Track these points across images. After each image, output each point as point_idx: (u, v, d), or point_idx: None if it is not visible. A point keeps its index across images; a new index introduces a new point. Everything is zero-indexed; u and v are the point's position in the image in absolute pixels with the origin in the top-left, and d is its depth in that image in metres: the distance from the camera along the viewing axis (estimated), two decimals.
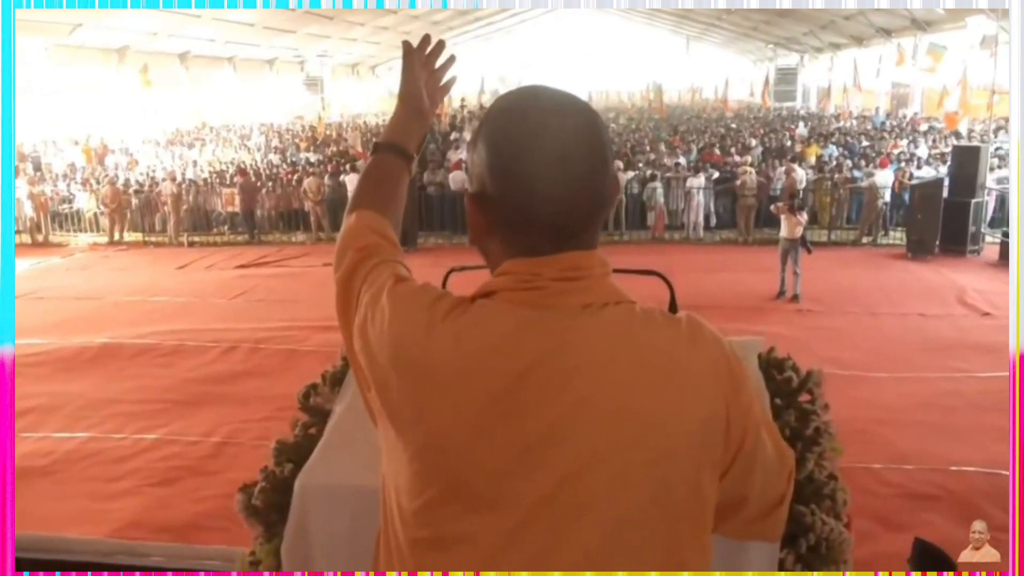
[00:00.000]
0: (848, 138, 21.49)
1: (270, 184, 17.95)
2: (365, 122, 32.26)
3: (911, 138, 20.98)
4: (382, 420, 1.08)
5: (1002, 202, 14.72)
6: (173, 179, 17.86)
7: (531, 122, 1.03)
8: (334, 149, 23.22)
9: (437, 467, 1.02)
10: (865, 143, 20.54)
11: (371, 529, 1.16)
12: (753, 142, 21.01)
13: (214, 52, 26.27)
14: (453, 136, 22.09)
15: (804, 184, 15.79)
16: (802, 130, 23.81)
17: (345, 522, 1.40)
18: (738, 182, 15.74)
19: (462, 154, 18.19)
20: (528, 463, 0.98)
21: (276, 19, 24.81)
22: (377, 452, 1.13)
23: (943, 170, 15.65)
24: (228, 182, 18.15)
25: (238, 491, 1.50)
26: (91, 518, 5.55)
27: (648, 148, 20.06)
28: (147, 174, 20.41)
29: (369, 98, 38.54)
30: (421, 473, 1.02)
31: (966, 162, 13.89)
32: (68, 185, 19.22)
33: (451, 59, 1.49)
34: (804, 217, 11.17)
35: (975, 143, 16.29)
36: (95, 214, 17.69)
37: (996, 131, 17.70)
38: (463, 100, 31.12)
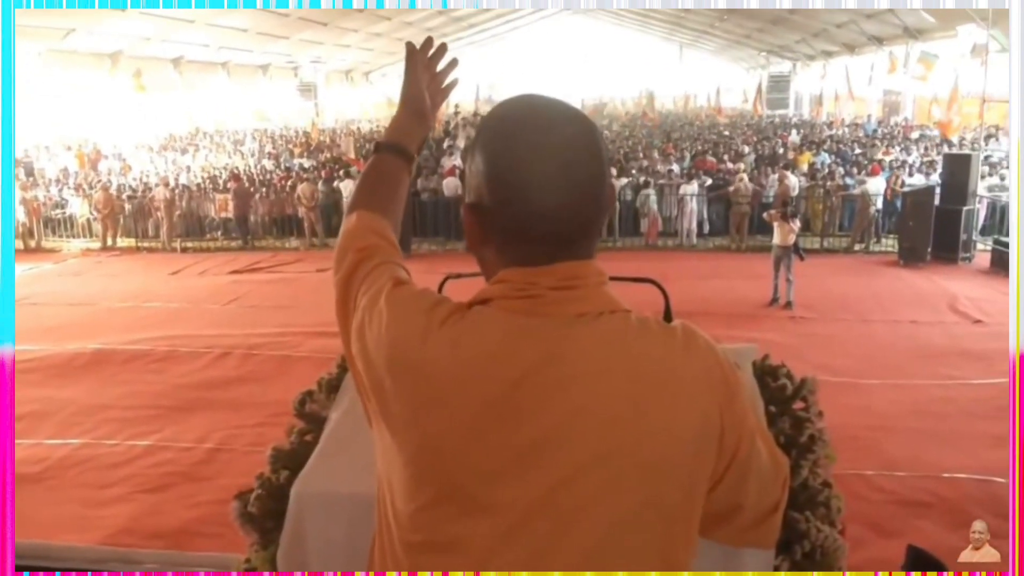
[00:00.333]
0: (840, 145, 21.58)
1: (263, 190, 17.94)
2: (359, 128, 32.28)
3: (903, 145, 21.08)
4: (377, 422, 1.09)
5: (993, 210, 14.80)
6: (166, 184, 17.83)
7: (527, 133, 1.03)
8: (328, 155, 23.21)
9: (432, 471, 1.02)
10: (857, 151, 20.63)
11: (367, 536, 1.17)
12: (746, 149, 21.08)
13: (207, 57, 26.24)
14: (447, 143, 22.11)
15: (797, 191, 15.86)
16: (794, 137, 23.90)
17: (341, 529, 1.40)
18: (731, 189, 15.79)
19: (456, 160, 18.20)
20: (522, 468, 0.99)
21: (270, 25, 24.80)
22: (373, 460, 1.13)
23: (934, 177, 15.73)
24: (221, 188, 18.12)
25: (234, 498, 1.50)
26: (84, 524, 5.52)
27: (641, 155, 20.12)
28: (140, 179, 20.38)
29: (364, 104, 38.54)
30: (416, 476, 1.03)
31: (957, 170, 13.97)
32: (61, 190, 19.17)
33: (453, 62, 1.49)
34: (797, 224, 11.21)
35: (966, 151, 16.37)
36: (88, 219, 17.65)
37: (987, 139, 17.81)
38: (457, 107, 31.16)
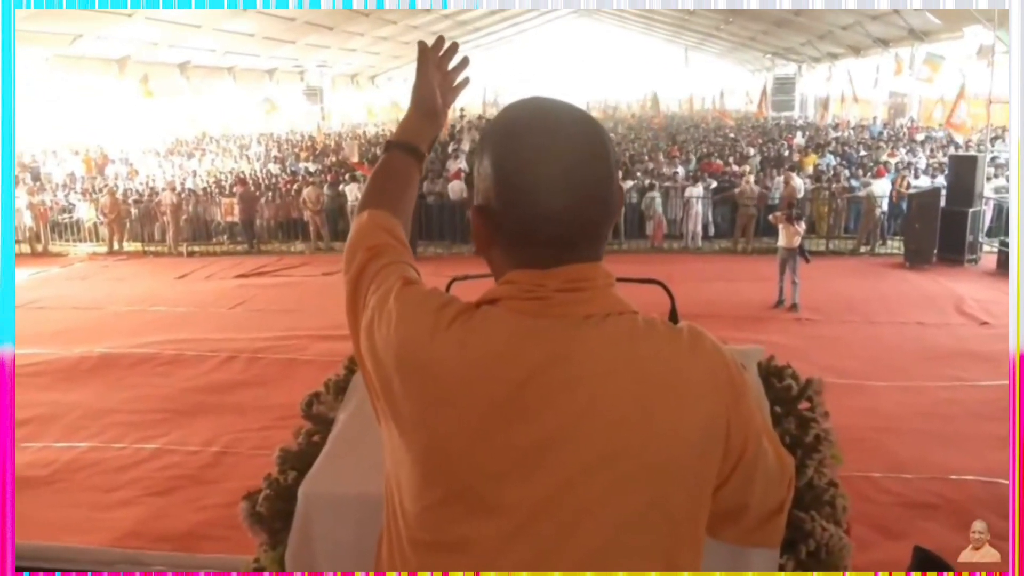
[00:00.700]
0: (846, 148, 21.55)
1: (269, 194, 17.99)
2: (364, 132, 32.33)
3: (908, 147, 21.05)
4: (386, 421, 1.09)
5: (999, 211, 14.76)
6: (173, 189, 17.90)
7: (535, 136, 1.04)
8: (333, 159, 23.26)
9: (439, 471, 1.03)
10: (863, 152, 20.60)
11: (375, 536, 1.17)
12: (751, 152, 21.07)
13: (214, 62, 26.31)
14: (452, 146, 22.13)
15: (802, 193, 15.84)
16: (800, 140, 23.88)
17: (349, 530, 1.41)
18: (737, 191, 15.79)
19: (461, 164, 18.23)
20: (529, 468, 0.99)
21: (276, 29, 24.86)
22: (380, 460, 1.14)
23: (940, 179, 15.69)
24: (228, 192, 18.18)
25: (242, 499, 1.51)
26: (91, 527, 5.54)
27: (647, 157, 20.12)
28: (147, 184, 20.45)
29: (370, 108, 38.58)
30: (424, 476, 1.04)
31: (963, 172, 13.94)
32: (68, 195, 19.26)
33: (464, 61, 1.50)
34: (802, 226, 11.20)
35: (972, 152, 16.34)
36: (94, 224, 17.72)
37: (993, 140, 17.75)
38: (463, 110, 31.17)
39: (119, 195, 18.13)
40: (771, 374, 1.67)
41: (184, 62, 24.89)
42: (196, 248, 17.16)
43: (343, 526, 1.42)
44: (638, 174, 17.45)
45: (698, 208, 15.95)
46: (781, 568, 1.32)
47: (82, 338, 10.06)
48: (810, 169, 18.10)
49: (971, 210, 13.60)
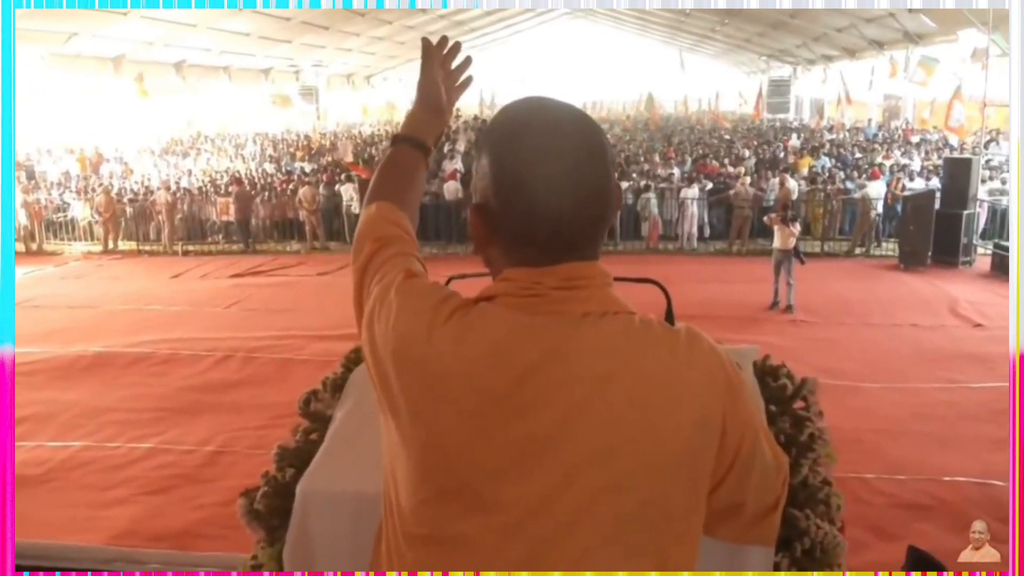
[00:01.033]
0: (841, 150, 21.59)
1: (265, 193, 17.96)
2: (360, 132, 32.30)
3: (903, 150, 21.10)
4: (384, 413, 1.10)
5: (993, 214, 14.81)
6: (168, 188, 17.87)
7: (533, 136, 1.04)
8: (329, 159, 23.25)
9: (435, 466, 1.04)
10: (858, 155, 20.65)
11: (372, 533, 1.18)
12: (747, 153, 21.10)
13: (210, 61, 26.26)
14: (447, 147, 22.12)
15: (797, 195, 15.88)
16: (795, 142, 23.92)
17: (346, 527, 1.42)
18: (732, 192, 15.82)
19: (457, 164, 18.22)
20: (525, 466, 1.00)
21: (272, 29, 24.82)
22: (377, 458, 1.15)
23: (934, 181, 15.74)
24: (223, 191, 18.15)
25: (240, 495, 1.52)
26: (86, 526, 5.53)
27: (642, 159, 20.13)
28: (142, 183, 20.41)
29: (366, 108, 38.56)
30: (419, 471, 1.04)
31: (958, 174, 13.98)
32: (62, 194, 19.21)
33: (467, 60, 1.52)
34: (797, 228, 11.23)
35: (967, 155, 16.39)
36: (89, 223, 17.69)
37: (987, 143, 17.81)
38: (458, 111, 31.14)
39: (114, 194, 18.10)
40: (766, 373, 1.68)
41: (180, 61, 24.84)
42: (191, 247, 17.13)
43: (340, 523, 1.43)
44: (634, 175, 17.47)
45: (693, 209, 15.98)
46: (776, 565, 1.34)
47: (77, 337, 10.05)
48: (805, 171, 18.13)
49: (965, 212, 13.64)
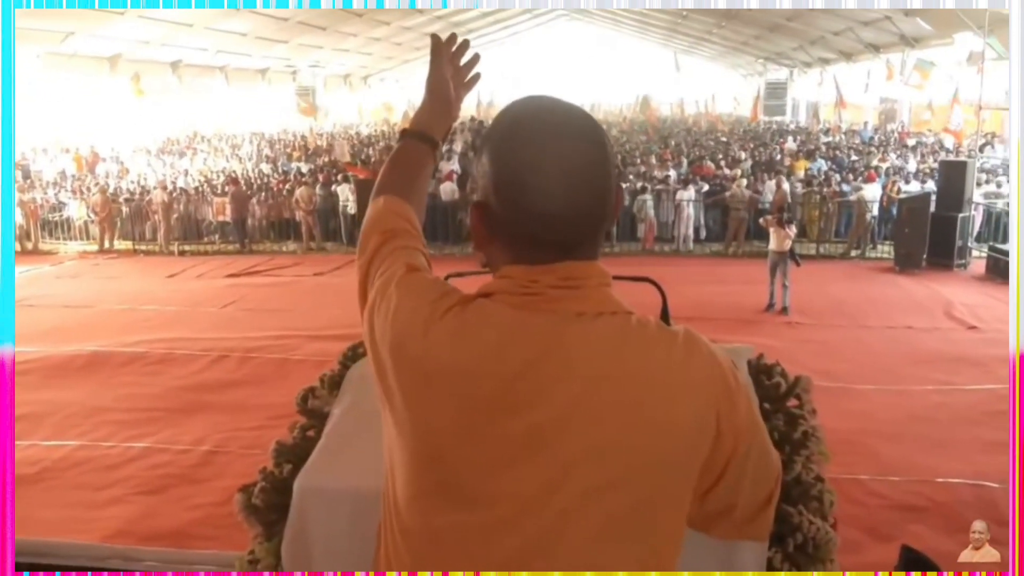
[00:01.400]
0: (837, 152, 21.64)
1: (261, 193, 17.95)
2: (357, 132, 32.28)
3: (899, 152, 21.15)
4: (383, 406, 1.11)
5: (989, 217, 14.86)
6: (164, 188, 17.85)
7: (535, 135, 1.05)
8: (326, 159, 23.23)
9: (429, 460, 1.05)
10: (854, 157, 20.70)
11: (369, 529, 1.19)
12: (743, 155, 21.14)
13: (206, 61, 26.23)
14: (445, 147, 22.11)
15: (792, 197, 15.91)
16: (791, 144, 23.96)
17: (344, 523, 1.43)
18: (728, 194, 15.86)
19: (454, 165, 18.21)
20: (516, 462, 1.01)
21: (269, 29, 24.80)
22: (374, 455, 1.15)
23: (930, 184, 15.79)
24: (219, 191, 18.14)
25: (238, 491, 1.53)
26: (81, 526, 5.52)
27: (639, 160, 20.15)
28: (138, 182, 20.38)
29: (362, 108, 38.55)
30: (414, 464, 1.05)
31: (953, 177, 14.03)
32: (58, 193, 19.18)
33: (475, 57, 1.53)
34: (793, 230, 11.25)
35: (962, 158, 16.45)
36: (85, 222, 17.66)
37: (982, 147, 17.86)
38: None
39: (110, 193, 18.07)
40: (760, 372, 1.70)
41: (176, 61, 24.80)
42: (187, 247, 17.12)
43: (338, 519, 1.43)
44: (630, 177, 17.48)
45: (689, 211, 16.01)
46: (769, 561, 1.35)
47: (72, 336, 10.03)
48: (801, 173, 18.17)
49: (960, 215, 13.69)
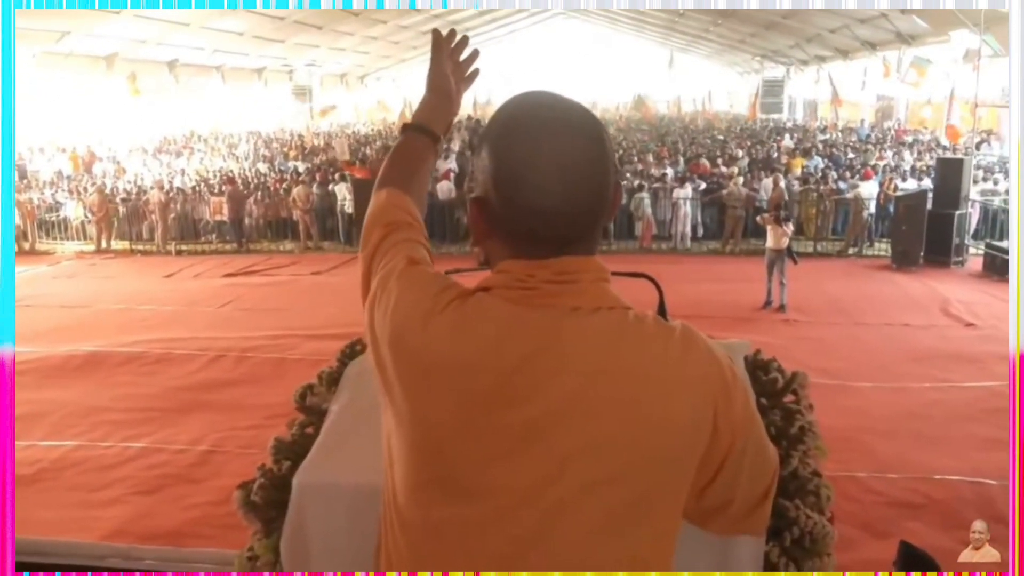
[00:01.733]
0: (834, 150, 21.67)
1: (258, 193, 17.93)
2: (355, 131, 32.28)
3: (895, 150, 21.18)
4: (383, 397, 1.12)
5: (985, 214, 14.88)
6: (161, 187, 17.83)
7: (534, 131, 1.05)
8: (323, 158, 23.22)
9: (427, 454, 1.05)
10: (851, 155, 20.72)
11: (368, 526, 1.19)
12: (740, 153, 21.16)
13: (203, 61, 26.21)
14: (442, 146, 22.09)
15: (790, 195, 15.93)
16: (788, 142, 23.98)
17: (342, 519, 1.43)
18: (725, 192, 15.87)
19: (451, 164, 18.21)
20: (513, 455, 1.01)
21: (265, 28, 24.79)
22: (372, 451, 1.16)
23: (926, 182, 15.82)
24: (216, 190, 18.12)
25: (237, 488, 1.53)
26: (78, 526, 5.52)
27: (636, 159, 20.17)
28: (135, 182, 20.36)
29: (358, 108, 38.53)
30: (413, 457, 1.06)
31: (950, 174, 14.06)
32: (55, 193, 19.16)
33: (475, 53, 1.54)
34: (790, 228, 11.26)
35: (959, 155, 16.47)
36: (82, 222, 17.63)
37: (979, 144, 17.89)
38: None
39: (107, 193, 18.05)
40: (757, 367, 1.70)
41: (172, 60, 24.78)
42: (184, 247, 17.11)
43: (336, 515, 1.44)
44: (627, 175, 17.49)
45: (686, 209, 16.03)
46: (766, 555, 1.35)
47: (69, 336, 10.02)
48: (798, 171, 18.19)
49: (957, 213, 13.72)
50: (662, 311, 1.66)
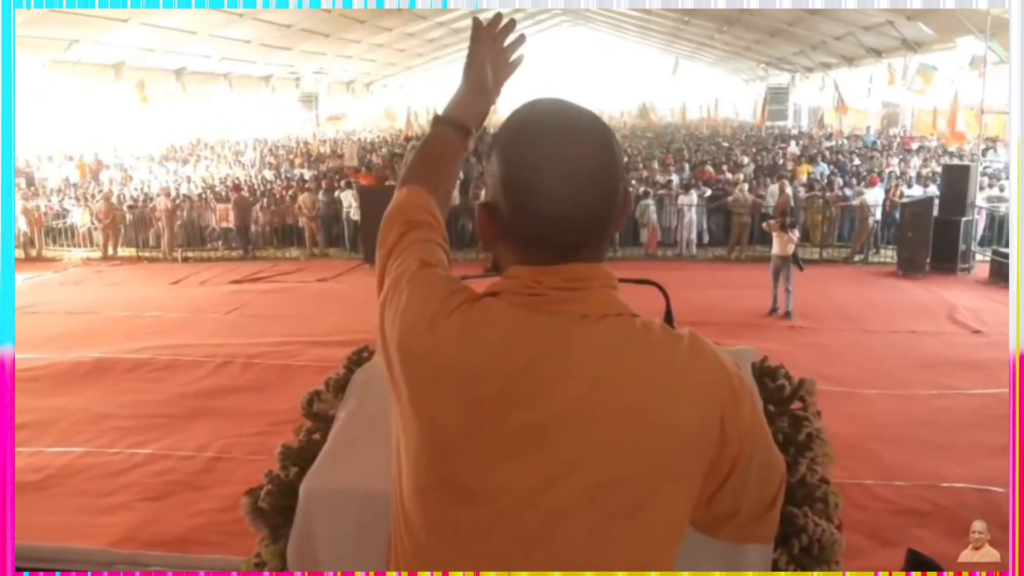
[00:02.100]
0: (840, 156, 21.65)
1: (264, 200, 17.97)
2: (361, 138, 32.38)
3: (901, 157, 21.15)
4: (392, 399, 1.12)
5: (992, 221, 14.85)
6: (167, 194, 17.88)
7: (543, 138, 1.05)
8: (329, 165, 23.28)
9: (432, 456, 1.06)
10: (856, 161, 20.70)
11: (375, 531, 1.20)
12: (745, 160, 21.16)
13: (210, 68, 26.32)
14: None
15: (795, 202, 15.91)
16: (794, 149, 23.97)
17: (349, 525, 1.44)
18: (730, 199, 15.86)
19: None
20: (516, 458, 1.02)
21: (272, 36, 24.89)
22: (379, 457, 1.16)
23: (932, 188, 15.78)
24: (222, 198, 18.17)
25: (244, 494, 1.53)
26: (85, 532, 5.52)
27: (641, 165, 20.18)
28: (141, 189, 20.43)
29: (364, 115, 38.64)
30: (419, 459, 1.07)
31: (956, 181, 14.01)
32: (62, 200, 19.22)
33: (520, 38, 1.51)
34: (796, 235, 11.24)
35: (965, 162, 16.44)
36: (89, 229, 17.69)
37: (985, 151, 17.85)
38: None
39: (114, 200, 18.11)
40: (765, 374, 1.70)
41: (180, 68, 24.90)
42: (190, 254, 17.14)
43: (343, 522, 1.44)
44: (633, 182, 17.49)
45: (692, 216, 16.01)
46: (775, 563, 1.35)
47: (76, 343, 10.04)
48: (804, 178, 18.17)
49: (964, 219, 13.66)
50: (669, 318, 1.66)
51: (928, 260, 13.70)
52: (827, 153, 22.54)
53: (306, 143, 30.15)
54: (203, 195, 19.05)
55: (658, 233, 16.04)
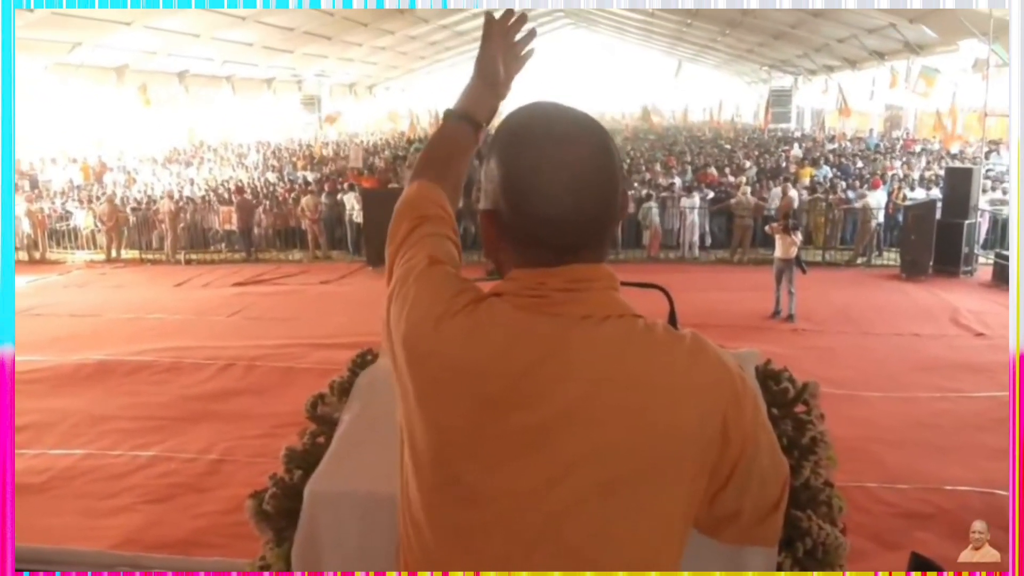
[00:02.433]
0: (842, 159, 21.63)
1: (267, 202, 17.99)
2: (363, 141, 32.41)
3: (904, 159, 21.13)
4: (398, 397, 1.13)
5: (994, 223, 14.83)
6: (171, 197, 17.91)
7: (541, 141, 1.06)
8: (332, 168, 23.30)
9: (435, 456, 1.06)
10: (859, 164, 20.68)
11: (379, 534, 1.20)
12: (747, 163, 21.15)
13: (212, 71, 26.36)
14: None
15: (798, 204, 15.90)
16: (796, 151, 23.96)
17: (354, 527, 1.44)
18: (733, 202, 15.85)
19: None
20: (517, 459, 1.02)
21: (274, 39, 24.93)
22: (384, 460, 1.16)
23: (935, 191, 15.77)
24: (225, 200, 18.19)
25: (249, 497, 1.54)
26: (87, 535, 5.52)
27: (644, 168, 20.18)
28: (145, 192, 20.46)
29: (367, 118, 38.68)
30: (423, 459, 1.07)
31: (959, 184, 14.00)
32: (66, 203, 19.24)
33: (532, 32, 1.51)
34: (798, 237, 11.23)
35: (967, 165, 16.43)
36: (92, 231, 17.71)
37: (988, 154, 17.83)
38: None
39: (117, 203, 18.14)
40: (768, 377, 1.70)
41: (183, 71, 24.95)
42: (194, 256, 17.15)
43: (348, 524, 1.44)
44: (635, 184, 17.50)
45: (694, 218, 16.01)
46: (779, 566, 1.35)
47: (79, 345, 10.05)
48: (807, 180, 18.16)
49: (967, 222, 13.66)
50: (672, 320, 1.66)
51: (931, 263, 13.69)
52: (830, 156, 22.55)
53: (308, 146, 30.17)
54: (206, 197, 19.07)
55: (660, 235, 16.03)
